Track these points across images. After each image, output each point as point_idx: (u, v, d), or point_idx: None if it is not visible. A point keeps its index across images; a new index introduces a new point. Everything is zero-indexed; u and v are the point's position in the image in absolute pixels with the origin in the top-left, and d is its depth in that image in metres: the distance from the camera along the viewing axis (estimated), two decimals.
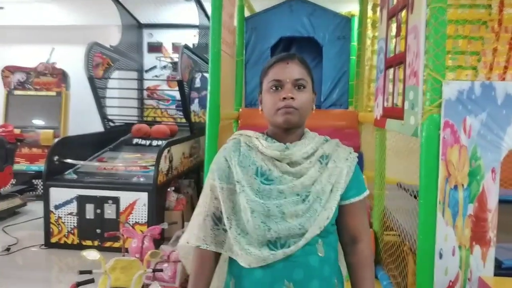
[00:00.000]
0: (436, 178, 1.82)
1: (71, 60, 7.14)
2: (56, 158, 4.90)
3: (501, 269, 1.87)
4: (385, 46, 2.64)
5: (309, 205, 1.32)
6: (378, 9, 3.15)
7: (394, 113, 2.32)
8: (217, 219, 1.42)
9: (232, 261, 1.40)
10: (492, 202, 1.79)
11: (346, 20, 4.11)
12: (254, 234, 1.31)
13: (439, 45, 1.81)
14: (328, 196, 1.34)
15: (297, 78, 1.36)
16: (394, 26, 2.48)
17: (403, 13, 2.26)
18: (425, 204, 1.84)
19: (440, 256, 1.83)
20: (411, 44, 2.03)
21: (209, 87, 3.06)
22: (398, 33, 2.37)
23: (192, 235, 1.44)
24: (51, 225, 4.76)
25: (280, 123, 1.36)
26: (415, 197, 2.34)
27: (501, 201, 1.81)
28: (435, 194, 1.82)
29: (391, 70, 2.51)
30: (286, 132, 1.39)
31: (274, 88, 1.37)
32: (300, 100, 1.35)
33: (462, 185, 1.79)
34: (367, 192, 1.44)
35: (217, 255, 1.44)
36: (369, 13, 4.05)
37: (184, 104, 5.67)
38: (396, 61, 2.36)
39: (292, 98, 1.33)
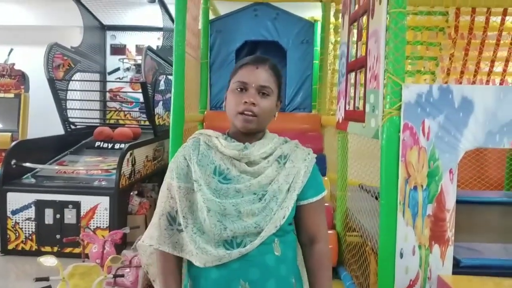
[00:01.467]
0: (396, 179, 1.86)
1: (31, 61, 6.92)
2: (13, 161, 4.74)
3: (459, 268, 1.92)
4: (347, 51, 2.69)
5: (265, 204, 1.33)
6: (340, 14, 3.21)
7: (356, 116, 2.35)
8: (172, 219, 1.40)
9: (190, 262, 1.38)
10: (450, 202, 1.84)
11: (310, 25, 4.17)
12: (210, 233, 1.31)
13: (398, 49, 1.86)
14: (285, 196, 1.35)
15: (262, 85, 1.37)
16: (355, 31, 2.53)
17: (364, 18, 2.31)
18: (386, 204, 1.88)
19: (401, 255, 1.87)
20: (372, 49, 2.07)
21: (173, 89, 3.03)
22: (359, 38, 2.42)
23: (147, 235, 1.43)
24: (8, 231, 4.59)
25: (239, 128, 1.38)
26: (376, 198, 2.39)
27: (459, 202, 1.87)
28: (395, 194, 1.86)
29: (352, 74, 2.55)
30: (246, 134, 1.40)
31: (238, 89, 1.38)
32: (261, 107, 1.36)
33: (422, 185, 1.83)
34: (324, 193, 1.45)
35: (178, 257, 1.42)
36: (332, 18, 4.12)
37: (148, 107, 5.59)
38: (358, 65, 2.41)
39: (253, 103, 1.34)
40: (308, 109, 4.14)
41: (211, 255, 1.29)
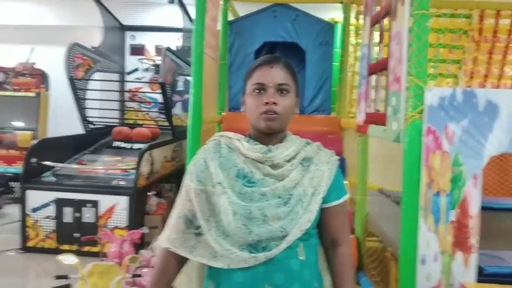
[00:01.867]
0: (418, 184, 1.82)
1: (51, 61, 7.01)
2: (34, 160, 4.81)
3: (482, 276, 1.88)
4: (368, 53, 2.65)
5: (291, 207, 1.31)
6: (361, 16, 3.18)
7: (377, 119, 2.32)
8: (189, 222, 1.39)
9: (210, 268, 1.37)
10: (474, 209, 1.80)
11: (329, 26, 4.13)
12: (235, 236, 1.29)
13: (421, 51, 1.82)
14: (310, 199, 1.34)
15: (280, 83, 1.36)
16: (377, 33, 2.49)
17: (386, 20, 2.27)
18: (408, 210, 1.84)
19: (423, 262, 1.83)
20: (394, 51, 2.04)
21: (191, 90, 3.03)
22: (381, 40, 2.39)
23: (164, 236, 1.42)
24: (28, 229, 4.66)
25: (262, 128, 1.36)
26: (397, 203, 2.35)
27: (483, 208, 1.82)
28: (417, 200, 1.82)
29: (373, 77, 2.52)
30: (268, 135, 1.39)
31: (257, 91, 1.36)
32: (283, 105, 1.35)
33: (444, 191, 1.79)
34: (347, 196, 1.45)
35: (184, 259, 1.41)
36: (352, 20, 4.09)
37: (166, 107, 5.62)
38: (379, 67, 2.37)
39: (274, 103, 1.33)
40: (327, 112, 4.10)
41: (237, 256, 1.28)
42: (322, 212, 1.39)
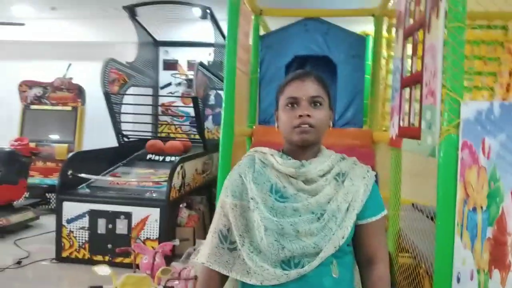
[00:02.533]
0: (454, 199, 1.78)
1: (87, 76, 7.25)
2: (70, 172, 4.93)
3: None
4: (401, 66, 2.63)
5: (324, 223, 1.29)
6: (394, 29, 3.16)
7: (411, 132, 2.29)
8: (223, 237, 1.39)
9: (244, 285, 1.37)
10: None
11: (361, 39, 4.11)
12: (267, 253, 1.28)
13: (457, 64, 1.79)
14: (344, 215, 1.31)
15: (313, 96, 1.35)
16: (410, 46, 2.47)
17: (420, 32, 2.25)
18: (443, 226, 1.80)
19: (458, 280, 1.79)
20: (428, 64, 2.02)
21: (223, 104, 3.07)
22: (414, 53, 2.36)
23: (202, 252, 1.43)
24: (63, 239, 4.76)
25: (297, 141, 1.35)
26: (431, 218, 2.30)
27: None
28: (453, 216, 1.78)
29: (407, 90, 2.49)
30: (302, 149, 1.38)
31: (290, 105, 1.36)
32: (317, 118, 1.34)
33: (481, 207, 1.75)
34: (385, 212, 1.41)
35: (224, 275, 1.40)
36: (384, 32, 4.06)
37: (198, 121, 5.69)
38: (413, 80, 2.35)
39: (308, 115, 1.33)
40: (359, 125, 4.06)
41: (269, 274, 1.26)
42: (357, 229, 1.36)
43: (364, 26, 5.20)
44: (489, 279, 1.77)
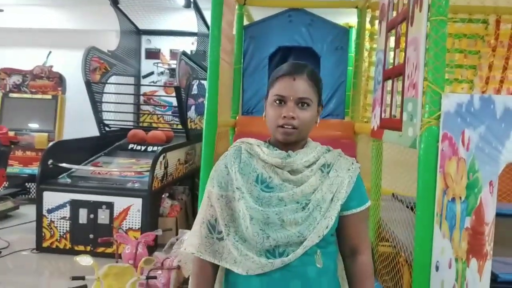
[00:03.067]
0: (434, 190, 1.82)
1: (68, 64, 7.14)
2: (50, 161, 4.87)
3: (496, 283, 1.87)
4: (384, 58, 2.66)
5: (309, 213, 1.31)
6: (377, 21, 3.18)
7: (392, 124, 2.32)
8: (212, 227, 1.40)
9: (228, 270, 1.39)
10: (490, 216, 1.78)
11: (344, 31, 4.13)
12: (252, 242, 1.30)
13: (439, 57, 1.82)
14: (329, 205, 1.33)
15: (301, 97, 1.35)
16: (392, 38, 2.49)
17: (403, 25, 2.27)
18: (422, 216, 1.84)
19: (437, 268, 1.83)
20: (411, 56, 2.04)
21: (207, 94, 3.06)
22: (397, 45, 2.39)
23: (189, 242, 1.44)
24: (43, 229, 4.71)
25: (279, 140, 1.37)
26: (411, 208, 2.35)
27: (498, 215, 1.81)
28: (432, 206, 1.82)
29: (389, 82, 2.52)
30: (287, 144, 1.39)
31: (277, 102, 1.36)
32: (302, 119, 1.34)
33: (460, 197, 1.79)
34: (368, 203, 1.43)
35: (216, 265, 1.42)
36: (367, 25, 4.09)
37: (181, 111, 5.66)
38: (395, 72, 2.37)
39: (292, 117, 1.33)
40: (341, 116, 4.10)
41: (254, 262, 1.29)
42: (342, 219, 1.38)
43: (348, 18, 5.22)
44: (467, 267, 1.81)
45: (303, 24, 4.04)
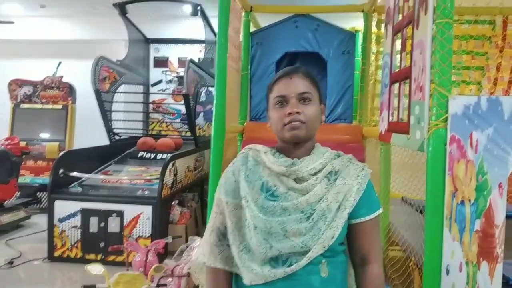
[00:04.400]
0: (442, 193, 1.81)
1: (78, 74, 7.20)
2: (61, 171, 4.91)
3: (508, 286, 1.85)
4: (390, 61, 2.65)
5: (313, 223, 1.28)
6: (383, 25, 3.18)
7: (400, 127, 2.31)
8: (222, 235, 1.40)
9: (237, 277, 1.38)
10: (500, 218, 1.77)
11: (351, 36, 4.14)
12: (256, 252, 1.29)
13: (445, 60, 1.82)
14: (334, 215, 1.29)
15: (301, 92, 1.34)
16: (399, 42, 2.49)
17: (409, 28, 2.27)
18: (432, 219, 1.83)
19: (447, 272, 1.82)
20: (417, 59, 2.04)
21: (215, 101, 3.07)
22: (403, 48, 2.38)
23: (200, 252, 1.44)
24: (55, 239, 4.74)
25: (288, 139, 1.34)
26: (421, 212, 2.33)
27: (508, 217, 1.80)
28: (441, 209, 1.81)
29: (396, 85, 2.51)
30: (295, 146, 1.37)
31: (279, 104, 1.36)
32: (307, 113, 1.33)
33: (469, 200, 1.78)
34: (379, 211, 1.39)
35: (229, 272, 1.41)
36: (373, 28, 4.08)
37: (190, 118, 5.69)
38: (402, 76, 2.37)
39: (297, 112, 1.32)
40: (349, 120, 4.09)
41: (256, 274, 1.27)
42: (351, 228, 1.35)
43: (354, 22, 5.22)
44: (477, 270, 1.80)
45: (309, 30, 4.05)
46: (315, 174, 1.34)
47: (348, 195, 1.31)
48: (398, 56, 2.48)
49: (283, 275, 1.26)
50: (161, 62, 7.47)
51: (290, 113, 1.32)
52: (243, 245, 1.31)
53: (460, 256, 1.80)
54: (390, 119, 2.58)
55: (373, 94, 4.14)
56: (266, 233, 1.28)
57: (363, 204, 1.34)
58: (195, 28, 6.63)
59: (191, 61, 5.56)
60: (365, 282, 1.36)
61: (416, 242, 2.37)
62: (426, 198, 1.85)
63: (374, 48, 4.17)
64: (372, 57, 4.15)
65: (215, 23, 3.30)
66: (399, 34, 2.48)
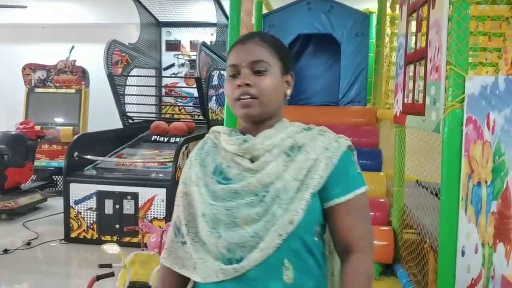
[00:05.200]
0: (458, 174, 1.80)
1: (91, 58, 7.22)
2: (75, 154, 4.97)
3: None
4: (405, 42, 2.62)
5: (266, 207, 1.06)
6: (398, 5, 3.13)
7: (415, 109, 2.29)
8: (177, 230, 1.21)
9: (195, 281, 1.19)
10: None
11: (364, 17, 4.09)
12: (208, 243, 1.09)
13: (462, 39, 1.79)
14: (293, 196, 1.06)
15: (253, 60, 1.11)
16: (414, 22, 2.46)
17: (424, 8, 2.24)
18: (447, 201, 1.82)
19: (463, 253, 1.81)
20: (433, 40, 2.01)
21: None
22: (418, 29, 2.35)
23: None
24: (71, 220, 4.82)
25: (241, 117, 1.15)
26: (436, 194, 2.32)
27: None
28: (457, 191, 1.80)
29: (411, 66, 2.49)
30: (255, 125, 1.16)
31: (231, 75, 1.14)
32: (260, 86, 1.10)
33: (486, 181, 1.76)
34: (361, 190, 1.12)
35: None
36: (388, 10, 4.03)
37: (202, 101, 5.70)
38: (417, 57, 2.34)
39: (247, 84, 1.10)
40: (362, 103, 4.06)
41: (208, 267, 1.08)
42: (327, 213, 1.11)
43: (368, 4, 5.15)
44: (493, 252, 1.79)
45: (323, 11, 4.01)
46: (272, 150, 1.12)
47: (313, 171, 1.08)
48: (413, 37, 2.46)
49: (233, 273, 1.04)
50: (173, 46, 7.46)
51: (239, 85, 1.10)
52: (198, 236, 1.12)
53: (476, 238, 1.80)
54: (405, 101, 2.56)
55: (387, 76, 4.10)
56: (214, 221, 1.08)
57: (336, 182, 1.09)
58: (207, 11, 6.59)
59: (203, 44, 5.54)
60: (346, 274, 1.09)
61: (431, 224, 2.37)
62: (442, 180, 1.84)
63: (388, 29, 4.12)
64: (387, 39, 4.10)
65: (227, 5, 3.28)
66: (414, 15, 2.45)
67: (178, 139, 5.66)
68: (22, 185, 6.22)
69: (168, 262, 1.20)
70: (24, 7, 7.09)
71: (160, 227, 3.50)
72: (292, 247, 1.06)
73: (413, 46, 2.46)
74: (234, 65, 1.13)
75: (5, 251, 4.47)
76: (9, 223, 5.50)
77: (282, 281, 1.05)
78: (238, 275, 1.04)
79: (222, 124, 3.12)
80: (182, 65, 7.44)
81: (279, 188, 1.06)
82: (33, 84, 7.58)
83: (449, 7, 1.84)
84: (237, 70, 1.12)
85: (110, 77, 5.83)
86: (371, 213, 2.95)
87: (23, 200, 5.82)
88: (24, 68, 7.58)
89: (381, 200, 3.16)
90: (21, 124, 6.53)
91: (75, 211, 4.80)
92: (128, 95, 6.31)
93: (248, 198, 1.07)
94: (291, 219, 1.04)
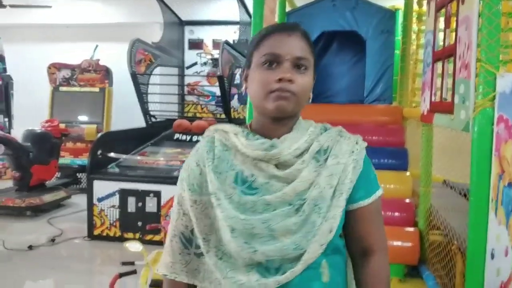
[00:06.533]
0: (488, 175, 1.74)
1: (114, 57, 7.31)
2: (99, 152, 5.02)
3: None
4: (433, 39, 2.56)
5: (305, 216, 1.02)
6: (425, 2, 3.07)
7: (443, 107, 2.23)
8: (187, 241, 1.12)
9: None
10: None
11: (390, 14, 4.01)
12: (238, 258, 1.03)
13: (492, 36, 1.74)
14: (330, 203, 1.03)
15: (299, 56, 1.05)
16: (442, 19, 2.40)
17: (453, 4, 2.18)
18: (477, 202, 1.76)
19: (492, 256, 1.75)
20: (462, 36, 1.95)
21: None
22: (447, 25, 2.29)
23: (162, 261, 1.16)
24: (94, 218, 4.88)
25: (271, 111, 1.05)
26: (465, 195, 2.26)
27: None
28: (487, 192, 1.74)
29: (439, 64, 2.42)
30: (275, 123, 1.08)
31: (268, 63, 1.05)
32: (300, 84, 1.04)
33: None
34: (380, 192, 1.13)
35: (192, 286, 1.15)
36: (414, 6, 3.95)
37: (224, 100, 5.69)
38: (445, 54, 2.28)
39: (290, 80, 1.03)
40: (388, 101, 3.99)
41: (242, 285, 1.02)
42: (348, 215, 1.10)
43: (394, 1, 5.07)
44: None
45: (347, 8, 3.95)
46: (300, 155, 1.07)
47: (343, 176, 1.06)
48: (442, 34, 2.40)
49: (275, 286, 1.01)
50: (196, 44, 7.49)
51: (280, 79, 1.02)
52: (222, 251, 1.05)
53: (506, 240, 1.73)
54: (433, 99, 2.49)
55: (414, 74, 4.03)
56: (247, 236, 1.02)
57: (360, 186, 1.08)
58: (229, 9, 6.59)
59: (226, 42, 5.53)
60: (367, 274, 1.11)
61: (458, 226, 2.30)
62: (471, 180, 1.78)
63: (415, 26, 4.04)
64: (413, 36, 4.02)
65: (250, 3, 3.26)
66: (443, 11, 2.38)
67: (200, 138, 5.67)
68: (46, 183, 6.34)
69: (183, 276, 1.12)
70: (49, 7, 7.20)
71: None
72: (327, 250, 1.05)
73: (441, 43, 2.39)
74: (277, 54, 1.04)
75: (30, 247, 4.55)
76: (34, 220, 5.60)
77: (321, 281, 1.06)
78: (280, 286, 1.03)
79: (244, 123, 3.10)
80: (205, 63, 7.46)
81: (316, 196, 1.03)
82: (58, 83, 7.72)
83: (480, 3, 1.78)
84: (278, 60, 1.04)
85: (134, 75, 5.88)
86: (396, 214, 2.90)
87: (47, 197, 5.93)
88: (49, 67, 7.72)
89: (407, 200, 3.09)
90: (46, 122, 6.65)
91: (98, 209, 4.85)
92: (151, 93, 6.36)
93: (282, 209, 1.03)
94: (331, 228, 1.03)
